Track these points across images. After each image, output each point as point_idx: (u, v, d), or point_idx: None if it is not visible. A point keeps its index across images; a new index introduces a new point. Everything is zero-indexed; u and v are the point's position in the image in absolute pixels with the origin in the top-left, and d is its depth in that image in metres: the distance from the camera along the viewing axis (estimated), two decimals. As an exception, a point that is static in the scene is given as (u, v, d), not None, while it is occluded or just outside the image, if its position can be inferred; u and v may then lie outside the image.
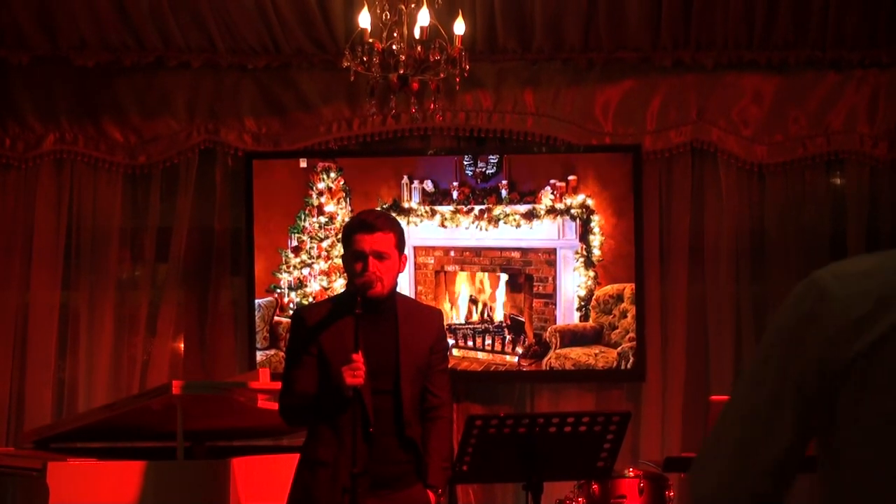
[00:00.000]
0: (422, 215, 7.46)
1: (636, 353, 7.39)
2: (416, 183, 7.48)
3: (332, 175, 7.50)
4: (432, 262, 7.52)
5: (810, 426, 1.91)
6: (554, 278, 7.44)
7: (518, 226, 7.44)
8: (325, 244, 7.49)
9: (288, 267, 7.50)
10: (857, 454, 1.87)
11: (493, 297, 7.51)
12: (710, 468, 1.97)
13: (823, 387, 1.87)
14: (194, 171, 7.68)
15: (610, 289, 7.42)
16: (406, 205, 7.46)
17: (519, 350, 7.46)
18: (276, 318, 7.48)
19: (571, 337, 7.42)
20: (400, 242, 4.60)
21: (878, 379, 1.84)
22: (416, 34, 5.74)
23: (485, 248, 7.49)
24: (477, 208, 7.45)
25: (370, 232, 4.53)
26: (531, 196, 7.44)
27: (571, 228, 7.42)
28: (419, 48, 5.74)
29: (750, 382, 1.96)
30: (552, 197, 7.41)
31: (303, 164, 7.52)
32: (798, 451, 1.92)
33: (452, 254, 7.52)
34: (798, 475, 1.97)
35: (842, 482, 1.91)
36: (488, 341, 7.49)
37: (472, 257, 7.52)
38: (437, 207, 7.47)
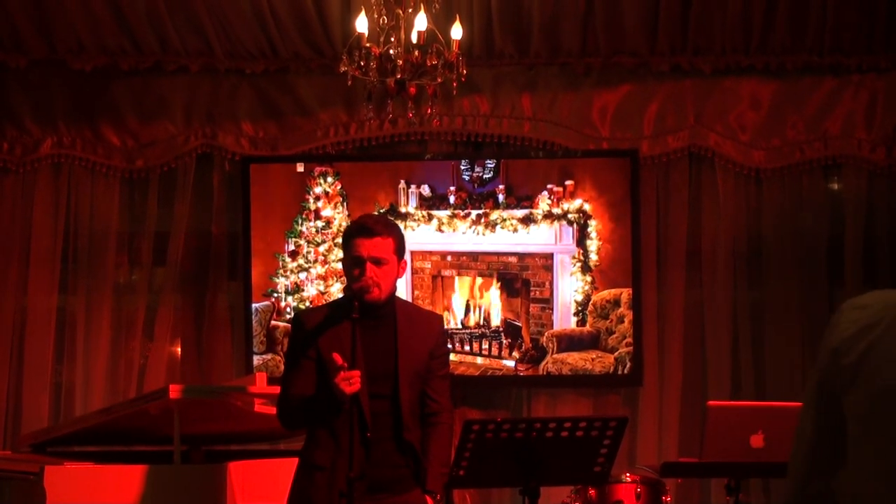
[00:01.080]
0: (419, 220, 7.46)
1: (633, 358, 7.39)
2: (413, 187, 7.48)
3: (330, 179, 7.50)
4: (429, 266, 7.52)
5: (829, 424, 2.46)
6: (551, 283, 7.44)
7: (515, 230, 7.44)
8: (322, 248, 7.49)
9: (285, 271, 7.50)
10: (853, 450, 2.42)
11: (489, 302, 7.51)
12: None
13: (833, 391, 2.45)
14: (191, 176, 7.68)
15: (607, 294, 7.42)
16: (403, 209, 7.46)
17: (516, 355, 7.46)
18: (272, 322, 7.48)
19: (568, 342, 7.42)
20: (399, 248, 4.59)
21: (861, 385, 2.41)
22: (414, 39, 5.75)
23: (482, 253, 7.50)
24: (474, 213, 7.46)
25: (369, 237, 4.53)
26: (528, 201, 7.44)
27: (568, 233, 7.42)
28: (416, 53, 5.74)
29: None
30: (549, 202, 7.41)
31: (300, 168, 7.52)
32: (824, 442, 2.49)
33: (449, 258, 7.52)
34: None
35: (847, 474, 2.45)
36: (485, 346, 7.49)
37: (469, 262, 7.52)
38: (434, 212, 7.47)
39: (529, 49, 7.58)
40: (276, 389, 4.78)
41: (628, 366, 7.40)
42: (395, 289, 4.63)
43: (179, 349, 7.74)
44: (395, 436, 4.57)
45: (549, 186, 7.43)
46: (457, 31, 5.83)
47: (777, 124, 7.63)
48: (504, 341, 7.47)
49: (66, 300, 7.66)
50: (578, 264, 7.41)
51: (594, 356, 7.41)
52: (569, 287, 7.42)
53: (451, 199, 7.47)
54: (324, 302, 7.12)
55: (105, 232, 7.66)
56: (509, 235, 7.45)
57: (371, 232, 4.53)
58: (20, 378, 7.56)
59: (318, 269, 7.49)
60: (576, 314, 7.43)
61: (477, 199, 7.47)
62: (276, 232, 7.51)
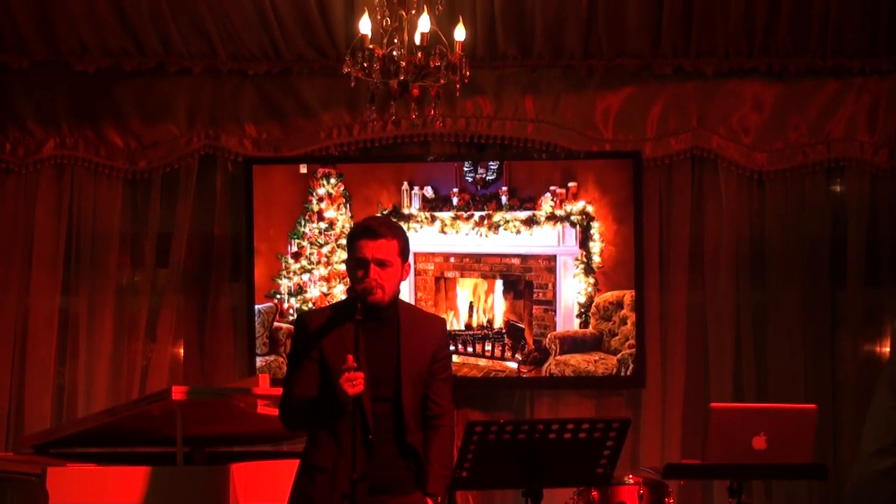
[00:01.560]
0: (422, 221, 7.46)
1: (636, 360, 7.38)
2: (416, 189, 7.48)
3: (333, 181, 7.50)
4: (432, 268, 7.52)
5: None
6: (554, 285, 7.44)
7: (518, 232, 7.44)
8: (324, 250, 7.50)
9: (288, 273, 7.50)
10: None
11: (492, 304, 7.51)
12: None
13: None
14: (194, 177, 7.69)
15: (610, 295, 7.42)
16: (406, 211, 7.46)
17: (518, 356, 7.45)
18: (275, 323, 7.48)
19: (571, 343, 7.42)
20: (403, 250, 4.59)
21: None
22: (417, 40, 5.75)
23: (485, 255, 7.49)
24: (477, 214, 7.46)
25: (373, 238, 4.53)
26: (531, 202, 7.44)
27: (571, 235, 7.42)
28: (420, 54, 5.74)
29: None
30: (552, 203, 7.41)
31: (303, 169, 7.53)
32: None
33: (452, 260, 7.52)
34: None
35: None
36: (488, 347, 7.48)
37: (471, 263, 7.52)
38: (437, 213, 7.47)
39: (532, 51, 7.59)
40: (279, 391, 4.78)
41: (631, 367, 7.39)
42: (398, 291, 4.63)
43: (182, 350, 7.74)
44: (396, 438, 4.57)
45: (552, 188, 7.43)
46: (460, 33, 5.83)
47: (780, 127, 7.63)
48: (507, 343, 7.47)
49: (69, 301, 7.66)
50: (581, 266, 7.41)
51: (597, 358, 7.41)
52: (572, 289, 7.42)
53: (454, 200, 7.47)
54: (327, 303, 7.12)
55: (107, 233, 7.66)
56: (512, 237, 7.45)
57: (375, 234, 4.54)
58: (22, 379, 7.56)
59: (321, 271, 7.49)
60: (578, 316, 7.42)
61: (480, 200, 7.47)
62: (278, 233, 7.52)
